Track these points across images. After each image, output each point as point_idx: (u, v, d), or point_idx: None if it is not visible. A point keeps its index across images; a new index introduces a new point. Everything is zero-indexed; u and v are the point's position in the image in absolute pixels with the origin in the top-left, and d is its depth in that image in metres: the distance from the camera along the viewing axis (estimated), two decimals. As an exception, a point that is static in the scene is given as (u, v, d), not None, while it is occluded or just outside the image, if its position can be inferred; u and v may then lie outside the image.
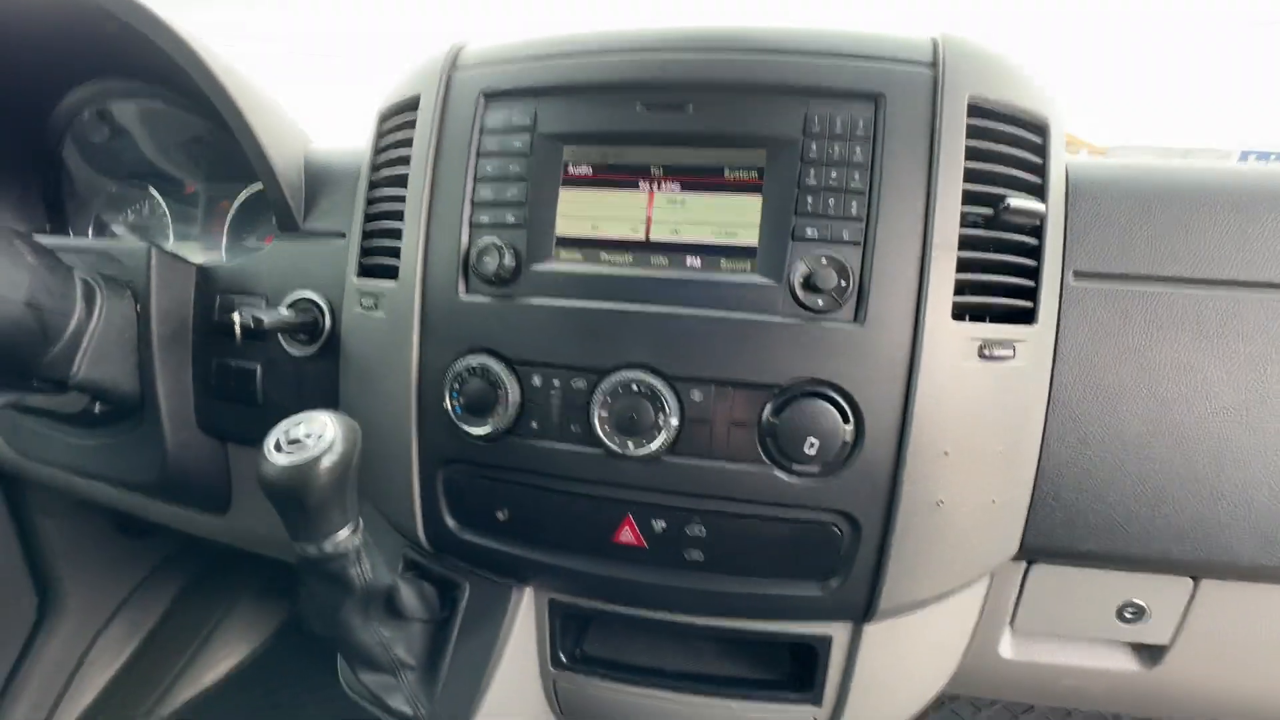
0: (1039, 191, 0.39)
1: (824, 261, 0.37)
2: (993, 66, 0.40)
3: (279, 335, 0.51)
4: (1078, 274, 0.41)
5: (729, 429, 0.38)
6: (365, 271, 0.46)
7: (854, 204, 0.38)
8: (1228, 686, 0.48)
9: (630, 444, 0.39)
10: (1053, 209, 0.40)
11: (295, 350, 0.51)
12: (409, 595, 0.44)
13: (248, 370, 0.53)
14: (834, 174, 0.38)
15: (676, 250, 0.40)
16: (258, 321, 0.46)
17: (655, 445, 0.38)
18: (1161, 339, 0.40)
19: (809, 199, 0.38)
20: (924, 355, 0.37)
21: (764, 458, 0.38)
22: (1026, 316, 0.39)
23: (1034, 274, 0.39)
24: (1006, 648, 0.48)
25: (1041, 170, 0.40)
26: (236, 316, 0.46)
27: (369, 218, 0.47)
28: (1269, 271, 0.40)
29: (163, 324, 0.52)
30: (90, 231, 0.64)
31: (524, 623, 0.48)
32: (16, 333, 0.45)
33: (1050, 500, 0.41)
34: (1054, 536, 0.43)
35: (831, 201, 0.38)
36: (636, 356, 0.39)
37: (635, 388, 0.38)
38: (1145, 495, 0.41)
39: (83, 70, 0.53)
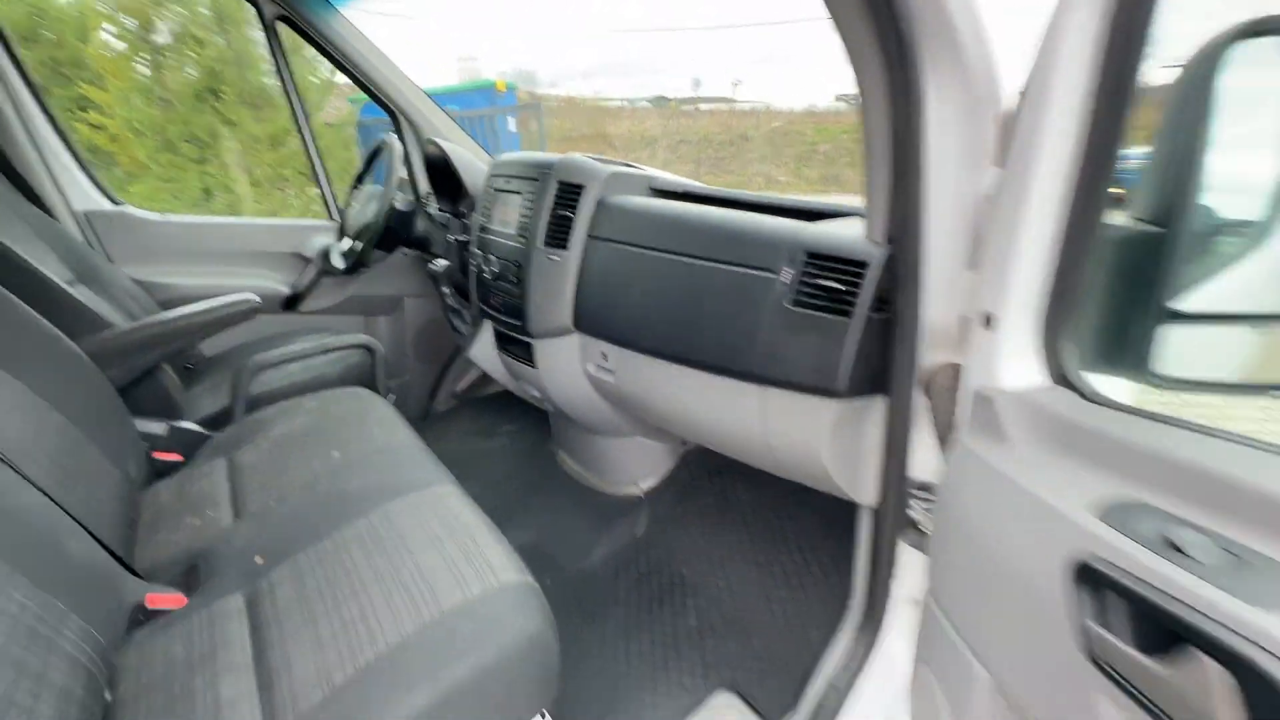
0: (574, 208, 1.20)
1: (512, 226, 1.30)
2: (572, 168, 1.22)
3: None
4: (591, 236, 1.19)
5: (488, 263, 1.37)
6: None
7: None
8: (637, 394, 1.17)
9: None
10: (585, 213, 1.20)
11: None
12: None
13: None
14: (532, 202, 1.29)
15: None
16: (451, 239, 1.64)
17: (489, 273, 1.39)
18: (625, 262, 1.15)
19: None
20: (532, 251, 1.26)
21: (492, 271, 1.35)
22: (564, 247, 1.21)
23: (569, 233, 1.21)
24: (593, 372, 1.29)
25: (577, 201, 1.20)
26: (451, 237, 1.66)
27: None
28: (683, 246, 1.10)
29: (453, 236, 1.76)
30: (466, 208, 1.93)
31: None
32: (423, 236, 1.75)
33: (582, 309, 1.22)
34: (587, 325, 1.23)
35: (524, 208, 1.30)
36: None
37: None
38: (627, 317, 1.16)
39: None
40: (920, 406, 0.77)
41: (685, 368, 1.01)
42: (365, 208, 1.63)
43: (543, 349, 1.34)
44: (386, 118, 1.90)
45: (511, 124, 8.39)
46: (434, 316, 2.15)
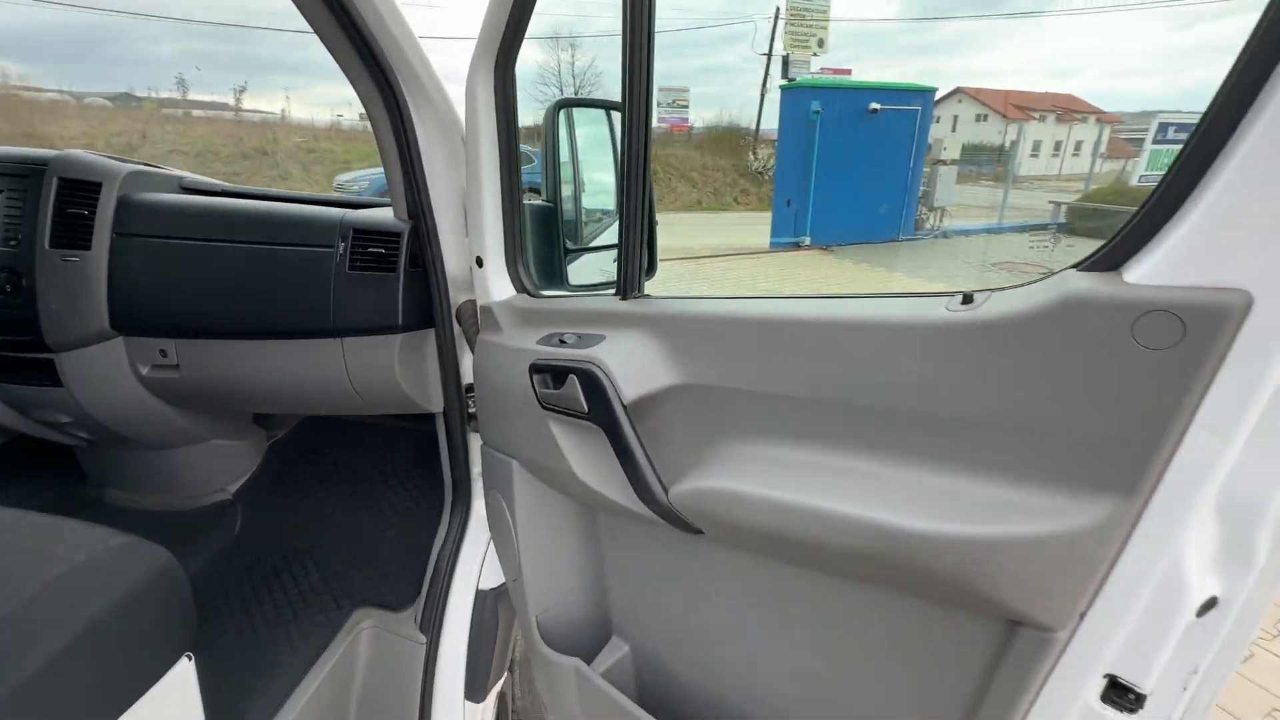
0: (91, 206, 1.17)
1: None
2: (78, 164, 1.17)
3: None
4: (121, 234, 1.18)
5: None
6: None
7: None
8: (212, 382, 1.27)
9: None
10: (107, 210, 1.17)
11: None
12: None
13: None
14: None
15: None
16: None
17: None
18: (175, 255, 1.16)
19: None
20: (35, 254, 1.15)
21: None
22: (85, 247, 1.16)
23: (90, 232, 1.16)
24: None
25: (96, 199, 1.17)
26: None
27: None
28: (246, 235, 1.17)
29: None
30: None
31: None
32: None
33: (124, 309, 1.18)
34: (135, 324, 1.20)
35: None
36: None
37: None
38: (189, 308, 1.17)
39: None
40: (458, 332, 1.15)
41: (265, 341, 1.15)
42: None
43: (72, 362, 1.21)
44: None
45: None
46: None
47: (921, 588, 0.56)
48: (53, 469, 1.60)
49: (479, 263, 1.03)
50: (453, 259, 1.10)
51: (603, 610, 1.01)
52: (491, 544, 1.23)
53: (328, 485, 1.56)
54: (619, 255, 0.83)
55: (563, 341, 0.86)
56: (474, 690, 1.24)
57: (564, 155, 1.15)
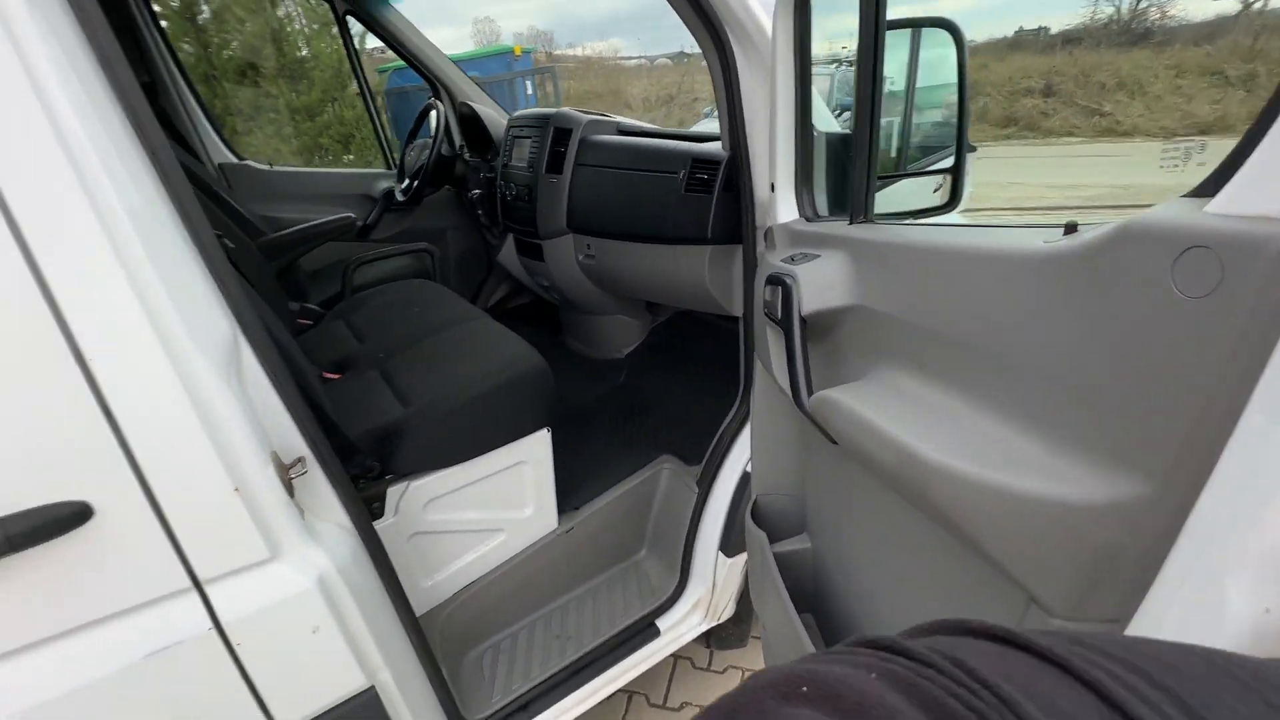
0: (565, 145, 1.76)
1: None
2: (563, 117, 1.78)
3: None
4: (578, 164, 1.76)
5: None
6: None
7: None
8: (611, 271, 1.75)
9: None
10: (573, 148, 1.76)
11: None
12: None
13: None
14: None
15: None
16: (482, 176, 2.23)
17: None
18: (599, 178, 1.73)
19: None
20: (538, 177, 1.84)
21: None
22: (560, 172, 1.78)
23: (563, 162, 1.77)
24: None
25: (568, 140, 1.76)
26: None
27: None
28: (630, 164, 1.67)
29: None
30: None
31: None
32: (461, 176, 2.34)
33: (573, 215, 1.80)
34: (577, 225, 1.81)
35: None
36: None
37: None
38: (601, 216, 1.76)
39: None
40: (763, 251, 1.33)
41: (635, 243, 1.59)
42: (420, 155, 2.22)
43: (549, 247, 1.92)
44: (411, 86, 2.48)
45: (529, 87, 8.85)
46: (468, 245, 2.75)
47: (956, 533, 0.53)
48: (549, 323, 2.53)
49: (772, 188, 1.18)
50: (762, 185, 1.27)
51: (802, 506, 1.12)
52: None
53: (680, 366, 2.01)
54: (853, 180, 0.88)
55: (793, 259, 0.97)
56: (727, 546, 1.52)
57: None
